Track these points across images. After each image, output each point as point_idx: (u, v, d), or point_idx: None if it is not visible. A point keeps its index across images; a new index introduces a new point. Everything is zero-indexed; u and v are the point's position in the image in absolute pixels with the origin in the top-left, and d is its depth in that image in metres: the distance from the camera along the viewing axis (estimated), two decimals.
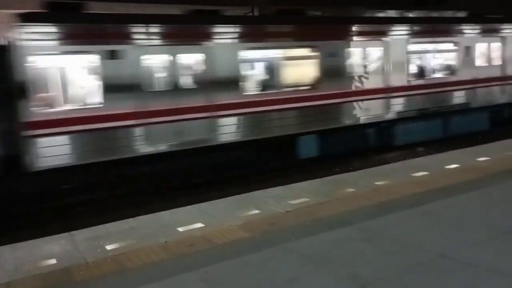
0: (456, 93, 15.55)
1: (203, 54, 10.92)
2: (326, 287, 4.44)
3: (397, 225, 5.92)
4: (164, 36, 10.58)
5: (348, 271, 4.70)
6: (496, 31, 16.73)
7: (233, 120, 11.39)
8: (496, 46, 16.71)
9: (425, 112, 14.77)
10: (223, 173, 11.82)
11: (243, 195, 7.95)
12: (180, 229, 6.18)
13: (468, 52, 15.70)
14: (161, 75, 10.76)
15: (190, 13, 12.07)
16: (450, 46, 15.50)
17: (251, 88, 11.99)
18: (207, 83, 10.94)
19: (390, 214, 6.32)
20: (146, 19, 10.77)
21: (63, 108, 9.68)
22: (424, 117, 14.81)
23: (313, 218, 6.35)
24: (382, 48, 13.86)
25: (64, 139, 9.49)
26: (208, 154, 11.18)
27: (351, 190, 7.65)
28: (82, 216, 9.45)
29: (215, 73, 11.01)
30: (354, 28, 13.51)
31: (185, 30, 10.94)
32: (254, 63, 12.38)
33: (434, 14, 19.83)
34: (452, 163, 9.11)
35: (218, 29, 11.19)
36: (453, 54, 15.57)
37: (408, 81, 14.42)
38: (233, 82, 11.29)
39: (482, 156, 9.53)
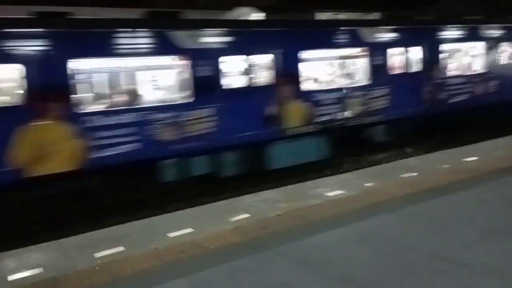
0: None
1: None
2: None
3: (389, 226, 5.90)
4: None
5: (341, 274, 4.66)
6: None
7: None
8: None
9: None
10: None
11: (232, 199, 7.88)
12: (170, 235, 6.11)
13: None
14: None
15: None
16: None
17: None
18: None
19: (382, 215, 6.30)
20: None
21: None
22: None
23: (305, 221, 6.31)
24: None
25: None
26: None
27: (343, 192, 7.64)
28: None
29: None
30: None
31: None
32: None
33: None
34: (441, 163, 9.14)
35: None
36: None
37: None
38: None
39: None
